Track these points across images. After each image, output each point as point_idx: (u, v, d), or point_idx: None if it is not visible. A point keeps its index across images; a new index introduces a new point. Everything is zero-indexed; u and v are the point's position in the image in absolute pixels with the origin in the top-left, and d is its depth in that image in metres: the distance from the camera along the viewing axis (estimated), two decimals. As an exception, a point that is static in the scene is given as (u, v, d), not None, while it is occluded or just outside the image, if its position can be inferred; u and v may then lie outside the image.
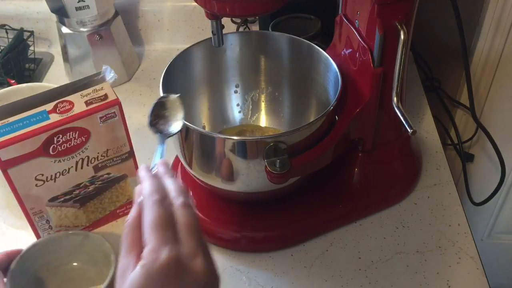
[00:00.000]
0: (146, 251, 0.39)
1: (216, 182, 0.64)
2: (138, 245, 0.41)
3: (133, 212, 0.44)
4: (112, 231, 0.72)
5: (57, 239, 0.64)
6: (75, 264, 0.66)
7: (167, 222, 0.41)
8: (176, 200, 0.43)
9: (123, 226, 0.44)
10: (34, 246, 0.62)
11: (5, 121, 0.59)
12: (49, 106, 0.61)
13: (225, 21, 0.89)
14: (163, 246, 0.39)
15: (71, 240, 0.64)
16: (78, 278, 0.65)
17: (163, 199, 0.42)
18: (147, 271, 0.39)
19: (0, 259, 0.59)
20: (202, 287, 0.40)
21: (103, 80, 0.65)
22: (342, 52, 0.69)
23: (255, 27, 1.03)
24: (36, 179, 0.62)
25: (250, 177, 0.62)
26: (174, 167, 0.78)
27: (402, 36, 0.58)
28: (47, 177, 0.63)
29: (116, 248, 0.63)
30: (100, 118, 0.62)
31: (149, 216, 0.41)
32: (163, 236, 0.40)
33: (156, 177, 0.45)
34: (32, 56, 1.02)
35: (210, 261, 0.41)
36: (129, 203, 0.73)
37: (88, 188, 0.67)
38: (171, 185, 0.45)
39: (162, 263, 0.39)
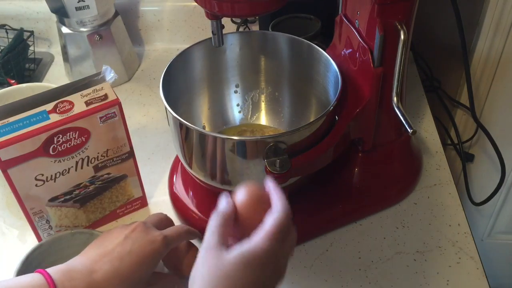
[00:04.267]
0: (263, 234, 0.45)
1: (216, 182, 0.64)
2: (226, 240, 0.47)
3: (226, 207, 0.48)
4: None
5: (62, 238, 0.64)
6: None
7: (286, 231, 0.47)
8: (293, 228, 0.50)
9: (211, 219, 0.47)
10: (39, 247, 0.62)
11: (5, 121, 0.59)
12: (49, 106, 0.61)
13: (225, 21, 0.89)
14: (277, 240, 0.46)
15: (76, 239, 0.64)
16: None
17: (290, 215, 0.48)
18: (262, 248, 0.44)
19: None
20: (281, 280, 0.47)
21: (103, 80, 0.65)
22: (342, 52, 0.69)
23: (255, 27, 1.03)
24: (36, 179, 0.62)
25: (250, 177, 0.62)
26: (174, 167, 0.78)
27: (402, 36, 0.58)
28: (47, 177, 0.63)
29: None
30: (100, 118, 0.62)
31: (276, 218, 0.47)
32: (280, 237, 0.46)
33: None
34: (32, 56, 1.02)
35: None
36: (129, 203, 0.73)
37: (88, 188, 0.67)
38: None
39: (273, 248, 0.45)
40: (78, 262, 0.55)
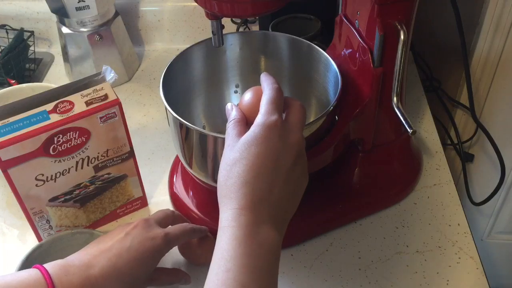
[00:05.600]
0: (259, 115, 0.49)
1: (216, 182, 0.64)
2: (244, 134, 0.49)
3: (235, 113, 0.53)
4: (113, 231, 0.72)
5: (63, 238, 0.64)
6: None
7: (280, 103, 0.51)
8: (294, 100, 0.53)
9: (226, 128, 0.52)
10: (40, 247, 0.62)
11: (5, 121, 0.59)
12: (49, 106, 0.61)
13: (225, 21, 0.89)
14: (273, 113, 0.49)
15: (76, 238, 0.64)
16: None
17: (281, 89, 0.52)
18: (258, 126, 0.48)
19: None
20: (295, 154, 0.49)
21: (103, 80, 0.65)
22: (342, 52, 0.69)
23: (255, 27, 1.03)
24: (36, 179, 0.62)
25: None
26: (174, 167, 0.78)
27: (402, 36, 0.58)
28: (47, 177, 0.63)
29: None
30: (100, 118, 0.62)
31: (267, 95, 0.51)
32: (275, 108, 0.50)
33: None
34: (32, 56, 1.02)
35: (304, 146, 0.50)
36: (129, 203, 0.73)
37: (88, 188, 0.67)
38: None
39: (271, 121, 0.48)
40: (76, 257, 0.55)
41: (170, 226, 0.61)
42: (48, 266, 0.52)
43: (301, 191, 0.51)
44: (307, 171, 0.51)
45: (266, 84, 0.53)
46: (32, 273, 0.51)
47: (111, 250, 0.55)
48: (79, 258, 0.54)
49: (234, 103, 0.55)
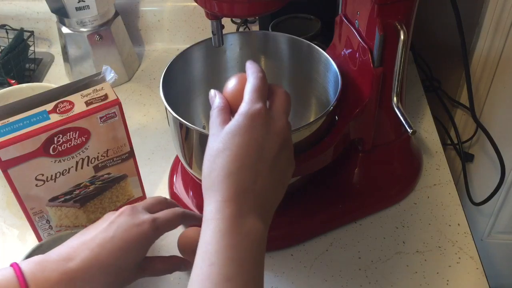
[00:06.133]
0: (243, 104, 0.48)
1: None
2: (228, 122, 0.49)
3: (219, 101, 0.52)
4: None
5: (62, 238, 0.64)
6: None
7: (264, 91, 0.50)
8: (278, 87, 0.52)
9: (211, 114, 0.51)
10: (39, 247, 0.62)
11: (5, 121, 0.59)
12: (49, 106, 0.61)
13: (225, 21, 0.89)
14: (257, 101, 0.48)
15: None
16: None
17: (265, 77, 0.51)
18: (242, 115, 0.47)
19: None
20: (280, 142, 0.48)
21: (103, 80, 0.65)
22: (342, 52, 0.69)
23: (255, 27, 1.03)
24: (36, 179, 0.62)
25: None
26: (174, 167, 0.78)
27: (402, 36, 0.58)
28: (47, 177, 0.63)
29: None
30: (100, 118, 0.62)
31: (251, 83, 0.50)
32: (259, 96, 0.49)
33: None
34: (32, 56, 1.02)
35: (289, 133, 0.50)
36: (129, 203, 0.73)
37: (88, 188, 0.67)
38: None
39: (255, 110, 0.48)
40: (56, 252, 0.52)
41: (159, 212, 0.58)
42: (25, 263, 0.50)
43: (287, 179, 0.50)
44: (292, 157, 0.50)
45: (251, 72, 0.52)
46: (6, 272, 0.49)
47: (94, 241, 0.52)
48: (58, 252, 0.52)
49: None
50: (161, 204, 0.60)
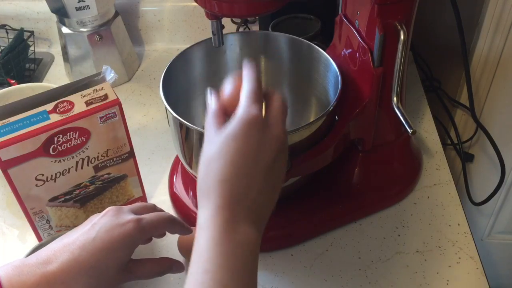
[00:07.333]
0: (239, 108, 0.47)
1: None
2: (223, 127, 0.48)
3: (214, 103, 0.51)
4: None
5: None
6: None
7: (260, 95, 0.49)
8: (274, 92, 0.51)
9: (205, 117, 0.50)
10: (39, 247, 0.62)
11: (5, 121, 0.59)
12: (49, 106, 0.61)
13: (225, 21, 0.89)
14: (254, 106, 0.47)
15: None
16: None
17: (260, 80, 0.51)
18: (238, 120, 0.46)
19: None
20: (277, 148, 0.47)
21: (103, 80, 0.65)
22: (342, 52, 0.69)
23: (255, 27, 1.03)
24: (36, 179, 0.62)
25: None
26: (174, 167, 0.78)
27: (402, 36, 0.58)
28: (47, 177, 0.63)
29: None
30: (100, 118, 0.62)
31: (247, 87, 0.49)
32: (255, 100, 0.48)
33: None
34: (32, 56, 1.02)
35: (286, 139, 0.49)
36: (129, 203, 0.73)
37: (88, 188, 0.67)
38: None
39: (252, 115, 0.46)
40: (36, 255, 0.51)
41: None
42: (3, 267, 0.50)
43: (280, 185, 0.49)
44: (286, 164, 0.49)
45: (246, 74, 0.51)
46: None
47: (75, 243, 0.51)
48: (37, 256, 0.51)
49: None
50: (149, 209, 0.59)
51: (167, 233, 0.60)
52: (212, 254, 0.43)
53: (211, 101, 0.51)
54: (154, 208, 0.60)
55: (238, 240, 0.44)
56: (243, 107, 0.47)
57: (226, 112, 0.50)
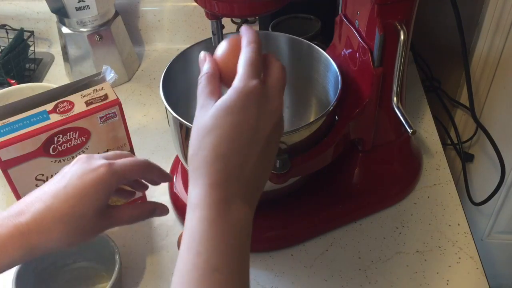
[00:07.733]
0: (237, 79, 0.45)
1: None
2: (218, 93, 0.46)
3: (208, 66, 0.48)
4: (114, 231, 0.72)
5: None
6: (80, 263, 0.66)
7: (259, 64, 0.46)
8: (273, 60, 0.48)
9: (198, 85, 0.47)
10: None
11: (5, 121, 0.59)
12: (49, 106, 0.61)
13: (225, 21, 0.89)
14: (252, 77, 0.44)
15: None
16: (84, 277, 0.66)
17: (260, 48, 0.47)
18: (236, 91, 0.44)
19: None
20: (274, 122, 0.45)
21: (103, 80, 0.65)
22: (342, 52, 0.69)
23: (255, 27, 1.03)
24: (36, 179, 0.62)
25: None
26: (174, 167, 0.78)
27: (402, 36, 0.58)
28: (47, 177, 0.63)
29: (119, 246, 0.63)
30: (100, 118, 0.62)
31: (245, 55, 0.46)
32: (254, 71, 0.45)
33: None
34: (32, 56, 1.02)
35: (282, 111, 0.46)
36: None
37: (88, 188, 0.67)
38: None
39: (250, 87, 0.44)
40: (7, 209, 0.50)
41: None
42: None
43: (273, 159, 0.47)
44: (280, 138, 0.47)
45: (246, 41, 0.47)
46: None
47: (47, 193, 0.49)
48: (9, 209, 0.49)
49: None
50: (123, 156, 0.55)
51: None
52: (205, 236, 0.41)
53: (205, 64, 0.48)
54: (129, 155, 0.56)
55: (231, 220, 0.42)
56: (241, 77, 0.45)
57: (220, 78, 0.48)
